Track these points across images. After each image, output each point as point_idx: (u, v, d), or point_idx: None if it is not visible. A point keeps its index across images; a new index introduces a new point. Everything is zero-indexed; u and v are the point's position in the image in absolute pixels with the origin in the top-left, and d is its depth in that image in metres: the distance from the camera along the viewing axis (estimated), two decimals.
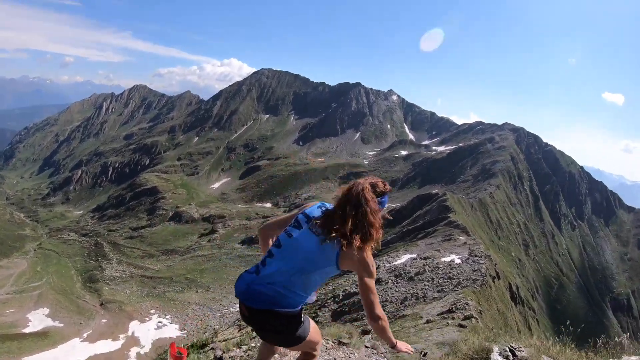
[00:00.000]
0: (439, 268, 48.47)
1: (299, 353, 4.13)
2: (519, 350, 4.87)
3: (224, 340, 7.53)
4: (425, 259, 50.10)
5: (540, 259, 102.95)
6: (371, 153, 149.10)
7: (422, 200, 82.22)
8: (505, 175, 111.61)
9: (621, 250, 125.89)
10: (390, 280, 48.32)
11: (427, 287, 45.06)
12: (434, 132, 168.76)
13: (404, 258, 53.06)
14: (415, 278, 47.10)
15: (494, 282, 49.80)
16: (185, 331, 56.72)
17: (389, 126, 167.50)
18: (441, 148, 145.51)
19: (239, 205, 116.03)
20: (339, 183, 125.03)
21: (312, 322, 3.81)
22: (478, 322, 33.44)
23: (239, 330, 8.65)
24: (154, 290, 71.61)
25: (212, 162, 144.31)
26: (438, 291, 43.77)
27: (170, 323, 60.13)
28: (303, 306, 3.57)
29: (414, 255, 52.58)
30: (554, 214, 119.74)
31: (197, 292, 70.68)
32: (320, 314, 48.36)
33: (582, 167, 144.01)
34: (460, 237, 58.54)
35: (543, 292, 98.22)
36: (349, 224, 3.24)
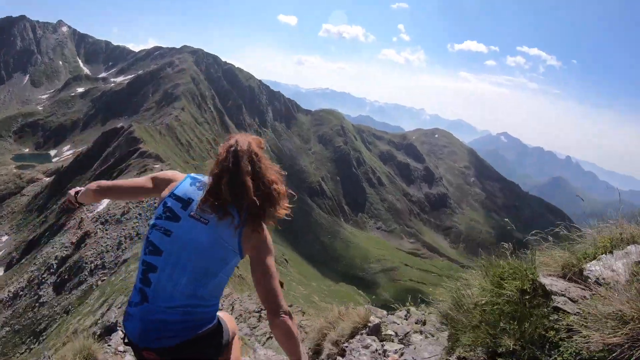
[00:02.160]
0: (142, 202, 47.37)
1: None
2: None
3: None
4: None
5: None
6: (45, 96, 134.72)
7: (109, 137, 78.55)
8: (188, 97, 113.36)
9: (305, 147, 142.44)
10: (98, 230, 45.73)
11: (138, 224, 43.82)
12: (110, 63, 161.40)
13: (105, 202, 50.75)
14: (123, 219, 44.70)
15: None
16: None
17: (60, 62, 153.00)
18: (120, 79, 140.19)
19: None
20: (14, 139, 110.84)
21: (224, 315, 2.68)
22: None
23: None
24: None
25: None
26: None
27: None
28: None
29: None
30: (239, 125, 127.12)
31: None
32: (41, 292, 43.19)
33: (260, 81, 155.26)
34: (156, 166, 57.96)
35: None
36: (251, 189, 2.26)
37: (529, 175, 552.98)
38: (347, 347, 3.67)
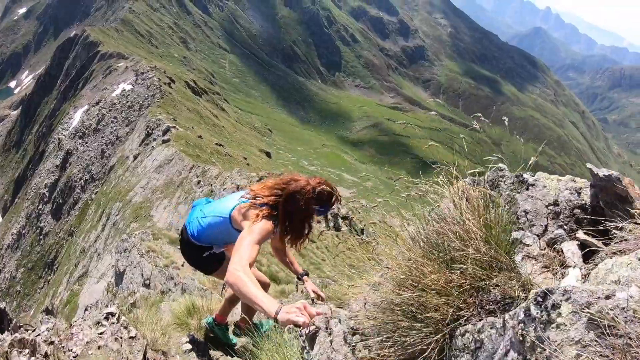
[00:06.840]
0: (115, 104, 45.58)
1: None
2: None
3: None
4: (97, 103, 48.46)
5: (202, 48, 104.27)
6: None
7: (65, 49, 74.32)
8: None
9: (272, 13, 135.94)
10: (79, 145, 44.70)
11: (115, 127, 42.10)
12: None
13: (78, 115, 50.60)
14: (99, 127, 44.33)
15: (171, 87, 48.76)
16: None
17: None
18: None
19: None
20: None
21: None
22: (177, 128, 30.56)
23: None
24: None
25: None
26: (127, 125, 41.26)
27: None
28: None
29: (85, 107, 50.46)
30: (197, 2, 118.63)
31: None
32: (41, 224, 41.64)
33: None
34: (120, 64, 56.38)
35: (218, 74, 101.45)
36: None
37: (508, 24, 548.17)
38: None
